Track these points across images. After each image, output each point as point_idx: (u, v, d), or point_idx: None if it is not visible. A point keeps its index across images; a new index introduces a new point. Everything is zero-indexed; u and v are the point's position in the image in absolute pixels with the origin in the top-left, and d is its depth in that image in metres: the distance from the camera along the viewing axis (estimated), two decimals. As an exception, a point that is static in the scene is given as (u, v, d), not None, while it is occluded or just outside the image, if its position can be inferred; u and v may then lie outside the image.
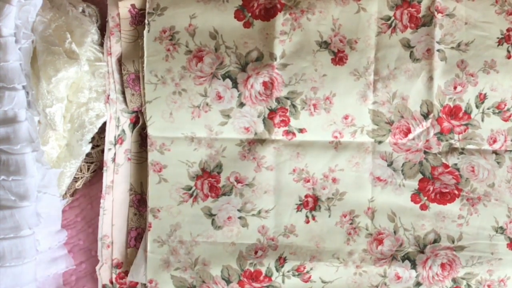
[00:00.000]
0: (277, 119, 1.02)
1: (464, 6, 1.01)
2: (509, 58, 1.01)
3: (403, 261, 1.01)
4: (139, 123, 1.08)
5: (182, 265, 1.03)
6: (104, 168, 1.07)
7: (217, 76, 1.02)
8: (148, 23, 1.03)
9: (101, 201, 1.07)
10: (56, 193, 1.03)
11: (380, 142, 1.02)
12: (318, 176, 1.03)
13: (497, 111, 1.02)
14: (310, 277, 1.02)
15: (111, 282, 1.07)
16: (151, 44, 1.03)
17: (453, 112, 1.01)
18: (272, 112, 1.01)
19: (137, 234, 1.07)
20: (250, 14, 1.02)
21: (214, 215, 1.04)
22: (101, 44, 1.06)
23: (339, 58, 1.01)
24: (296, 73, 1.01)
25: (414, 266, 1.01)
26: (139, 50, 1.04)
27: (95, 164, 1.09)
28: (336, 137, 1.02)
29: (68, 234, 1.08)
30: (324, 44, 1.01)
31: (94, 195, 1.10)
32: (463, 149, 1.02)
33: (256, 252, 1.03)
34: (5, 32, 0.94)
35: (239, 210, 1.03)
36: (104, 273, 1.07)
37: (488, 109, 1.02)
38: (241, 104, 1.02)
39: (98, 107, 1.05)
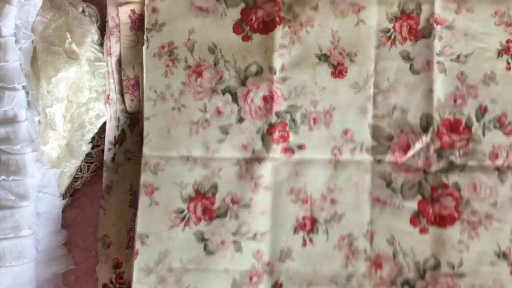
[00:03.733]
0: (276, 135, 1.00)
1: (464, 18, 1.00)
2: (509, 69, 1.00)
3: (402, 286, 0.97)
4: (139, 123, 1.08)
5: None
6: (104, 168, 1.07)
7: (216, 91, 1.01)
8: (147, 39, 1.02)
9: (101, 201, 1.07)
10: (56, 193, 1.03)
11: (379, 161, 1.00)
12: (316, 197, 1.00)
13: (498, 124, 0.99)
14: None
15: (111, 282, 1.07)
16: (150, 60, 1.02)
17: (453, 126, 0.99)
18: (272, 127, 1.00)
19: (137, 234, 1.07)
20: (248, 28, 1.01)
21: (207, 239, 0.99)
22: (101, 44, 1.06)
23: (338, 71, 1.00)
24: (296, 87, 1.00)
25: None
26: (139, 56, 1.04)
27: (95, 164, 1.09)
28: (335, 154, 1.00)
29: (68, 234, 1.08)
30: (324, 57, 1.00)
31: (94, 195, 1.10)
32: (464, 166, 0.99)
33: (251, 279, 0.99)
34: (5, 32, 0.95)
35: (233, 234, 0.99)
36: (104, 273, 1.07)
37: (489, 122, 0.99)
38: (241, 119, 1.00)
39: (98, 107, 1.05)
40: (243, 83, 1.00)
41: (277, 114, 1.00)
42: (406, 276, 0.98)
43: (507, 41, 1.00)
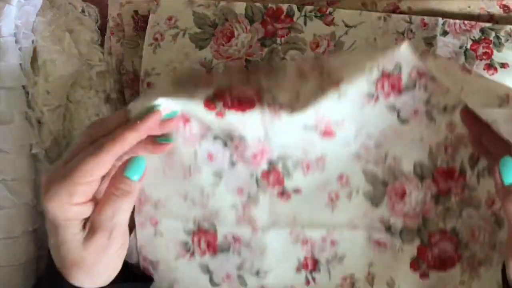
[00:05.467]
0: (271, 179, 0.96)
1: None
2: None
3: None
4: (139, 122, 1.07)
5: None
6: (104, 168, 1.07)
7: (206, 137, 0.94)
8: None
9: (101, 201, 1.07)
10: (56, 193, 1.03)
11: (377, 205, 0.98)
12: (316, 238, 0.98)
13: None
14: None
15: (111, 282, 1.07)
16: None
17: (448, 173, 0.97)
18: (266, 172, 0.96)
19: (136, 234, 1.07)
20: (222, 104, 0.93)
21: (212, 272, 0.99)
22: (101, 44, 1.06)
23: (327, 133, 0.95)
24: (284, 142, 0.95)
25: None
26: (139, 51, 1.04)
27: (95, 164, 1.09)
28: (332, 199, 0.98)
29: (68, 233, 1.08)
30: (309, 126, 0.94)
31: (94, 195, 1.10)
32: (460, 212, 0.97)
33: None
34: (5, 32, 0.95)
35: (238, 268, 0.98)
36: (104, 273, 1.07)
37: (483, 170, 0.97)
38: (233, 163, 0.95)
39: (98, 107, 1.05)
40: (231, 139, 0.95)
41: (269, 162, 0.96)
42: None
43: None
